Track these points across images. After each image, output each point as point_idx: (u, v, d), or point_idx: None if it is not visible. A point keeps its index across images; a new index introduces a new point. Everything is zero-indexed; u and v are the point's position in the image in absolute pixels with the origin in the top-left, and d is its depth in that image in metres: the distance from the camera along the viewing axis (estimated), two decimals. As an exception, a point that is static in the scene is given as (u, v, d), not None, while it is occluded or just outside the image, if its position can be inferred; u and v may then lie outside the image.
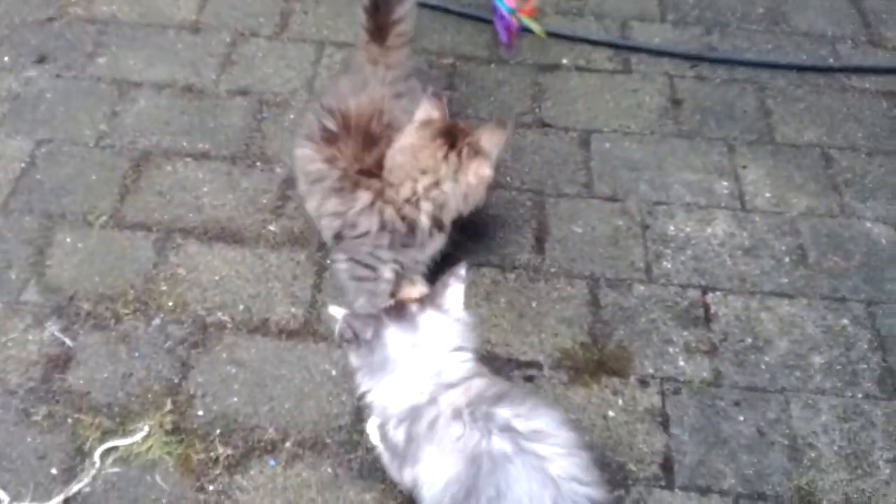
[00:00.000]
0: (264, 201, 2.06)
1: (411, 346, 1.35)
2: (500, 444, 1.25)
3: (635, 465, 1.64)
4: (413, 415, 1.34)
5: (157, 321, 1.80)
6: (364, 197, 1.67)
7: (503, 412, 1.28)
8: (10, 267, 1.88)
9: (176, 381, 1.71)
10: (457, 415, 1.30)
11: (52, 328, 1.78)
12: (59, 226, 1.97)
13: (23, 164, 2.10)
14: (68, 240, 1.95)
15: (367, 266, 1.73)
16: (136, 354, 1.74)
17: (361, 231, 1.68)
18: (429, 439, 1.32)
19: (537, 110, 2.35)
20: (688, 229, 2.06)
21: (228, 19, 2.54)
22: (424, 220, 1.68)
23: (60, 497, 1.52)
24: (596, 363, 1.79)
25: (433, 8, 2.62)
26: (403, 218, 1.67)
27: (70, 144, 2.16)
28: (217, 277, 1.89)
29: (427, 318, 1.38)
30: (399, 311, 1.39)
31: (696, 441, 1.68)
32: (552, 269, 1.96)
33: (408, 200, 1.66)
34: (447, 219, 1.71)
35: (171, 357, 1.74)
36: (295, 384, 1.72)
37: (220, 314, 1.83)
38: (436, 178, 1.65)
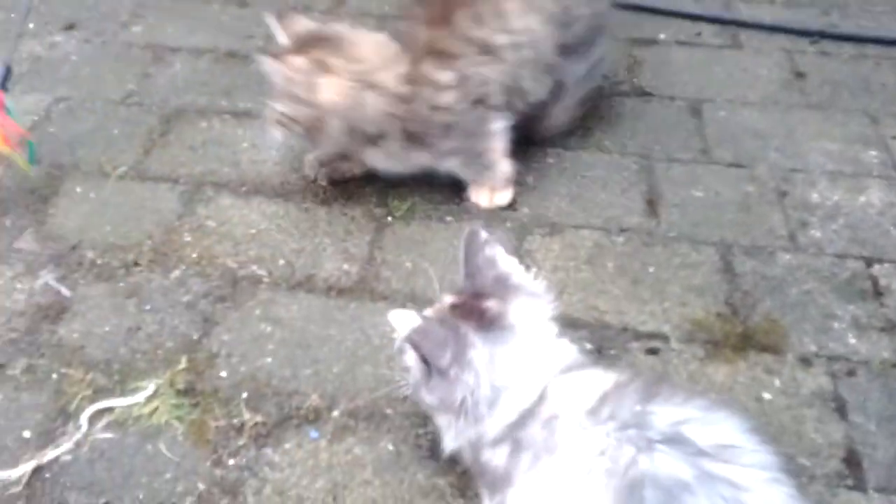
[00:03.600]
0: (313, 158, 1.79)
1: (515, 359, 1.00)
2: (670, 464, 0.85)
3: (809, 459, 1.25)
4: (518, 422, 0.98)
5: (176, 273, 1.50)
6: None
7: (664, 414, 0.89)
8: (5, 214, 1.62)
9: (195, 337, 1.39)
10: (592, 415, 0.92)
11: (47, 277, 1.48)
12: (69, 176, 1.72)
13: (35, 118, 1.88)
14: (78, 189, 1.68)
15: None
16: (148, 308, 1.43)
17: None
18: (548, 448, 0.94)
19: (635, 80, 2.08)
20: (836, 197, 1.73)
21: (280, -3, 2.37)
22: None
23: (30, 464, 1.18)
24: (739, 337, 1.43)
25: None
26: None
27: (92, 101, 1.93)
28: (253, 231, 1.60)
29: (517, 311, 1.04)
30: (475, 314, 1.03)
31: (888, 433, 1.28)
32: (671, 234, 1.63)
33: None
34: None
35: (192, 312, 1.43)
36: (346, 346, 1.38)
37: (254, 268, 1.52)
38: None
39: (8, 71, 1.60)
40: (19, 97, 1.94)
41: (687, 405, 0.93)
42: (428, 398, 1.04)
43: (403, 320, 1.05)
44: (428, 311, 1.08)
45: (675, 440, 0.87)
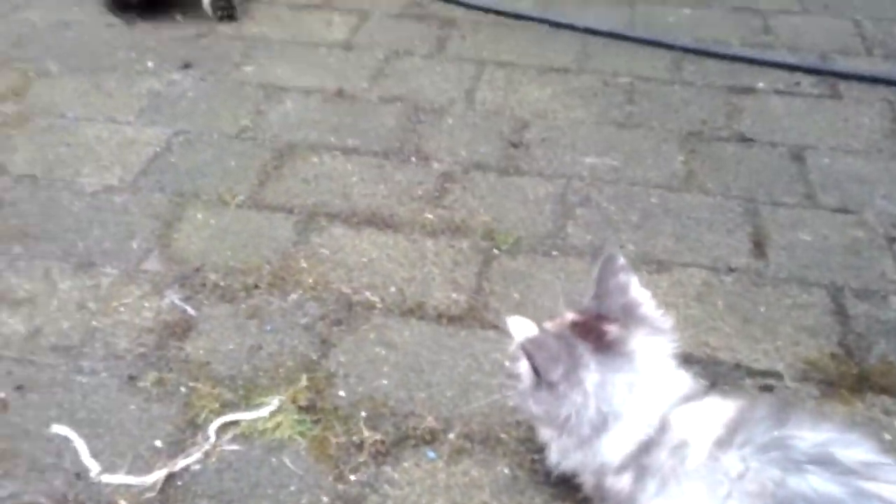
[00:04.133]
0: (420, 192, 1.85)
1: (628, 388, 1.02)
2: (822, 484, 0.86)
3: (934, 503, 1.22)
4: (641, 450, 1.00)
5: (294, 296, 1.57)
6: None
7: (805, 437, 0.91)
8: (133, 237, 1.71)
9: (314, 357, 1.44)
10: (723, 441, 0.93)
11: (173, 297, 1.56)
12: (190, 203, 1.81)
13: (157, 149, 1.99)
14: (199, 216, 1.77)
15: None
16: (268, 328, 1.50)
17: None
18: (676, 474, 0.95)
19: (735, 126, 2.11)
20: (948, 245, 1.71)
21: (382, 41, 2.48)
22: None
23: (163, 471, 1.24)
24: (855, 378, 1.42)
25: (605, 35, 2.49)
26: None
27: (209, 135, 2.04)
28: (365, 259, 1.66)
29: (639, 341, 1.06)
30: (594, 335, 1.05)
31: None
32: (780, 275, 1.63)
33: None
34: None
35: (310, 333, 1.49)
36: (459, 372, 1.41)
37: (367, 294, 1.57)
38: None
39: None
40: (140, 129, 2.07)
41: (821, 428, 0.94)
42: (533, 408, 1.08)
43: (521, 327, 1.08)
44: (548, 324, 1.11)
45: (822, 461, 0.87)
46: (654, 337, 1.09)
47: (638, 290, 1.10)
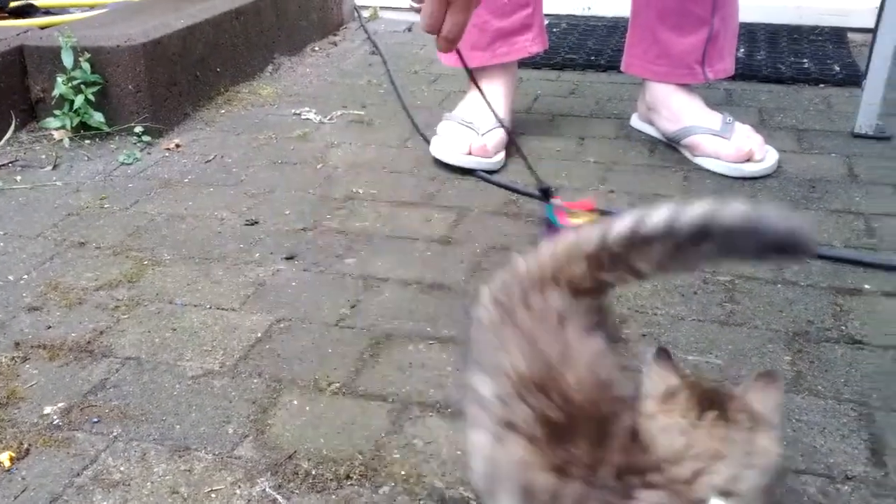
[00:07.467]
0: (516, 386, 1.87)
1: None
2: None
3: None
4: None
5: (385, 489, 1.57)
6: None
7: None
8: (229, 422, 1.78)
9: (404, 554, 1.42)
10: None
11: (265, 484, 1.59)
12: (287, 389, 1.88)
13: (258, 335, 2.10)
14: (295, 402, 1.83)
15: None
16: (359, 521, 1.50)
17: None
18: None
19: (843, 328, 2.08)
20: None
21: (480, 237, 2.60)
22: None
23: None
24: None
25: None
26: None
27: (308, 323, 2.15)
28: (460, 453, 1.66)
29: None
30: None
31: None
32: (903, 487, 1.55)
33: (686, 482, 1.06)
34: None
35: (400, 528, 1.48)
36: (557, 578, 1.36)
37: (461, 489, 1.57)
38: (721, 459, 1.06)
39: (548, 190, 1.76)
40: (244, 315, 2.19)
41: None
42: None
43: None
44: None
45: None
46: None
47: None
